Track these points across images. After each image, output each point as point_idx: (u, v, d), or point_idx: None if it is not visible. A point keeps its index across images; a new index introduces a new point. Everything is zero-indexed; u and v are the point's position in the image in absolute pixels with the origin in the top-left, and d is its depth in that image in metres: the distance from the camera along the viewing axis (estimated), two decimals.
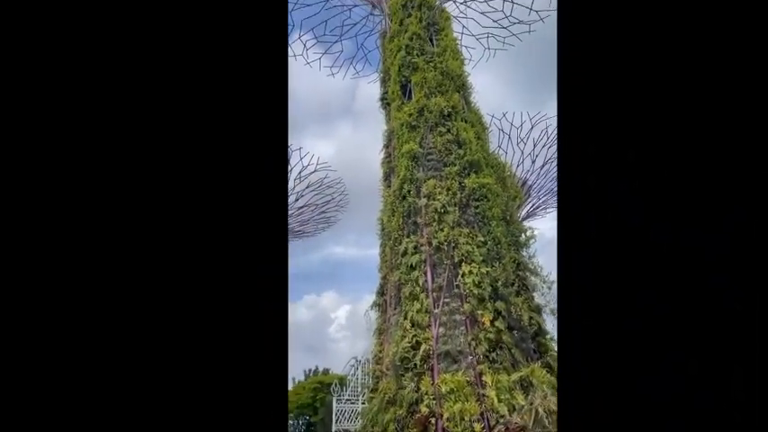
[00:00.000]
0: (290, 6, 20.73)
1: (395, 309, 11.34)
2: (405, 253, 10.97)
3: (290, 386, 47.51)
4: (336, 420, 18.35)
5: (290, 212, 39.12)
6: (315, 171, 36.58)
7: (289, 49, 23.89)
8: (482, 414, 8.35)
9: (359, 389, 17.75)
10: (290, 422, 48.37)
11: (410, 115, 12.75)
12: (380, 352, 12.24)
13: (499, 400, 8.27)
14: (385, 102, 15.09)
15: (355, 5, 20.95)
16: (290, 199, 37.40)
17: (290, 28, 21.96)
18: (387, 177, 13.80)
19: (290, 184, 37.12)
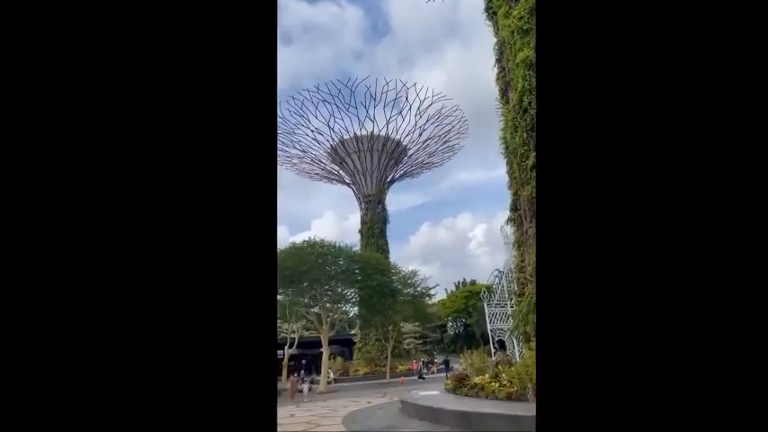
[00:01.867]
0: None
1: (530, 222, 10.88)
2: (533, 167, 10.19)
3: (444, 296, 50.96)
4: (490, 321, 19.31)
5: (416, 146, 39.39)
6: (432, 104, 35.51)
7: None
8: None
9: (506, 295, 18.12)
10: (449, 324, 52.53)
11: (520, 18, 11.07)
12: (522, 261, 12.11)
13: None
14: (490, 11, 13.34)
15: None
16: (415, 134, 37.47)
17: None
18: (503, 93, 12.60)
19: (412, 121, 36.99)
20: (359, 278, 22.47)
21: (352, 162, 36.98)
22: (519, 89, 10.94)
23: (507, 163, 12.33)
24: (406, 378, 22.65)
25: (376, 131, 35.96)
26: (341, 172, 39.05)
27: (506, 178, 12.39)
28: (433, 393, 10.40)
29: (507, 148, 12.14)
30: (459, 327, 51.44)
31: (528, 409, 6.81)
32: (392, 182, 39.39)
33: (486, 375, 9.61)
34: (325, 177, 41.19)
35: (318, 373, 21.99)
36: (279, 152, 37.58)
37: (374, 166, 36.83)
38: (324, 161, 38.88)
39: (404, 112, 35.69)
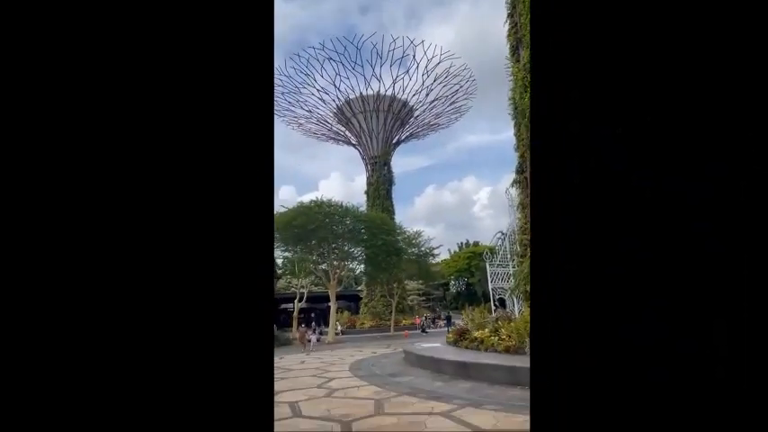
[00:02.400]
0: None
1: None
2: None
3: (447, 256, 51.66)
4: (491, 281, 19.69)
5: (422, 107, 38.29)
6: (440, 63, 34.05)
7: None
8: None
9: (508, 256, 18.32)
10: (452, 282, 53.76)
11: None
12: (526, 223, 12.10)
13: None
14: None
15: None
16: (422, 95, 36.29)
17: None
18: (515, 51, 12.00)
19: (419, 80, 35.69)
20: (365, 237, 22.74)
21: (358, 123, 36.24)
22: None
23: (515, 124, 11.98)
24: (410, 332, 23.51)
25: (382, 91, 34.90)
26: (347, 133, 38.39)
27: (513, 140, 12.10)
28: (434, 345, 10.82)
29: (516, 108, 11.75)
30: (461, 285, 52.54)
31: (525, 362, 7.06)
32: (398, 143, 38.74)
33: (486, 330, 9.91)
34: (332, 138, 40.57)
35: (327, 325, 22.88)
36: (286, 112, 36.84)
37: (380, 127, 36.09)
38: (330, 121, 38.13)
39: (411, 72, 34.41)
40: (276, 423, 5.54)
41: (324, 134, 40.14)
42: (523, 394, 5.86)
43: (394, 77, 34.18)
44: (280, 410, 5.58)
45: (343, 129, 38.17)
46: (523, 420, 4.56)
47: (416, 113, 37.57)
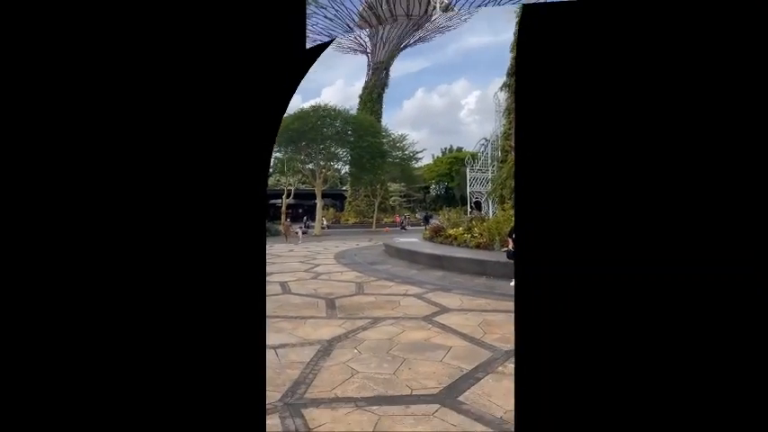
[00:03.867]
0: None
1: None
2: None
3: (430, 160, 51.60)
4: (470, 185, 20.08)
5: (437, 11, 33.69)
6: None
7: None
8: None
9: (488, 161, 18.36)
10: (433, 186, 54.76)
11: None
12: (510, 129, 11.86)
13: None
14: None
15: None
16: None
17: None
18: None
19: None
20: (351, 139, 22.23)
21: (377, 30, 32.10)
22: None
23: (517, 23, 10.83)
24: (390, 229, 24.64)
25: None
26: (365, 39, 34.14)
27: (511, 39, 11.07)
28: (412, 240, 11.43)
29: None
30: (441, 189, 53.60)
31: (492, 256, 7.59)
32: (404, 48, 35.16)
33: (460, 228, 10.41)
34: (349, 48, 36.24)
35: (314, 220, 23.70)
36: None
37: (395, 33, 32.22)
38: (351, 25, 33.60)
39: None
40: (269, 298, 5.96)
41: (341, 47, 35.67)
42: (488, 282, 6.42)
43: None
44: (271, 288, 6.01)
45: (364, 37, 33.90)
46: (484, 302, 5.07)
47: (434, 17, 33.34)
